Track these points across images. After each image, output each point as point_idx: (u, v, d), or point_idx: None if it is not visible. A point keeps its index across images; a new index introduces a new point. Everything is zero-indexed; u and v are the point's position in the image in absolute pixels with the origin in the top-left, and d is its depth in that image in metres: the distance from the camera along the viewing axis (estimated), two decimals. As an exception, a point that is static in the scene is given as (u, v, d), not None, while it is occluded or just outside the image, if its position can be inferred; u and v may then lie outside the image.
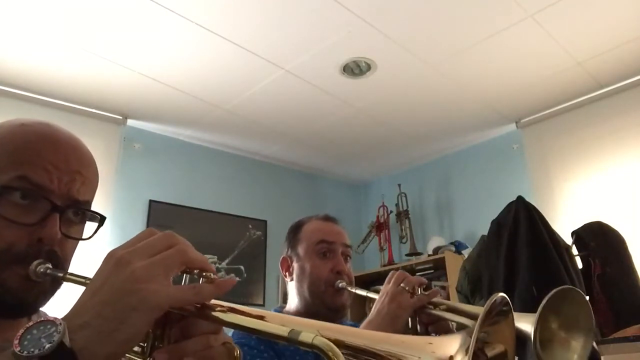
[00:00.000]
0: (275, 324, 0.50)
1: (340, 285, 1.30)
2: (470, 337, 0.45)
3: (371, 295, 1.24)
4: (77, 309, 0.49)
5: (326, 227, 1.40)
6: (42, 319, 0.48)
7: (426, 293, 1.12)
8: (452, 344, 0.48)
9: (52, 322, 0.47)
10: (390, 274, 1.18)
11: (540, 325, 0.84)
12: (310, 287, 1.31)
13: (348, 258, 1.38)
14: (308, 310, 1.32)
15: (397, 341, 0.53)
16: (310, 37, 2.65)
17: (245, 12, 2.46)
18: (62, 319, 0.48)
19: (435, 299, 1.11)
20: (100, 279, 0.50)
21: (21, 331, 0.47)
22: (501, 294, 0.51)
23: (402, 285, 1.12)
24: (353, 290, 1.30)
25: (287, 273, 1.40)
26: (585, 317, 0.88)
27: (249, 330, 0.51)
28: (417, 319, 1.11)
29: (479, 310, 1.09)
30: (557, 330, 0.89)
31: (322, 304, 1.30)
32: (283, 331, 0.48)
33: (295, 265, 1.37)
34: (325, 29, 2.60)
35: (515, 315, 0.93)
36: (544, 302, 0.86)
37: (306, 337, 0.46)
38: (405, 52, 2.79)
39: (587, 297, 2.10)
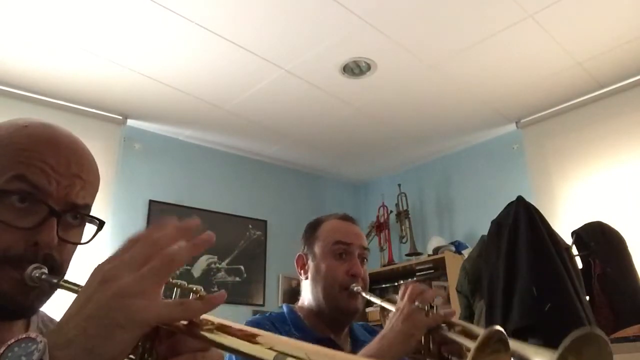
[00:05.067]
0: (264, 345, 0.48)
1: (355, 289, 1.28)
2: None
3: (385, 305, 1.22)
4: (62, 325, 0.48)
5: (344, 227, 1.38)
6: (24, 335, 0.47)
7: (442, 313, 1.10)
8: None
9: (34, 339, 0.46)
10: (404, 286, 1.15)
11: None
12: (324, 289, 1.29)
13: (365, 260, 1.36)
14: (320, 311, 1.30)
15: None
16: (310, 37, 2.66)
17: (245, 12, 2.46)
18: (46, 335, 0.47)
19: (450, 320, 1.09)
20: (86, 295, 0.49)
21: (3, 348, 0.46)
22: (497, 327, 0.50)
23: (417, 303, 1.09)
24: (367, 297, 1.28)
25: (302, 271, 1.39)
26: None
27: (234, 351, 0.49)
28: (431, 338, 1.09)
29: None
30: None
31: (335, 306, 1.28)
32: (268, 355, 0.46)
33: (310, 263, 1.36)
34: (325, 29, 2.60)
35: (533, 348, 0.90)
36: (566, 342, 0.83)
37: None
38: (405, 52, 2.79)
39: (587, 297, 2.10)
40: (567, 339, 0.81)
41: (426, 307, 1.09)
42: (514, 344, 1.05)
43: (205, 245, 0.53)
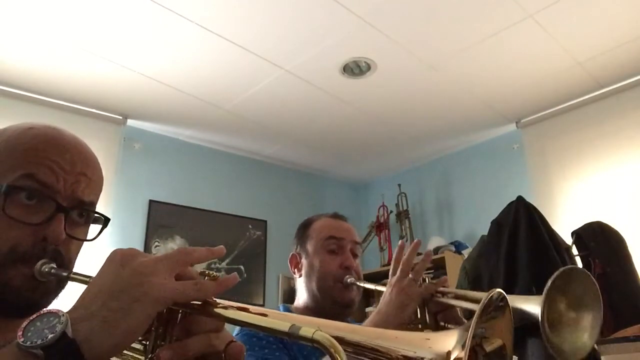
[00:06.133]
0: (278, 319, 0.51)
1: (349, 280, 1.29)
2: (468, 333, 0.45)
3: (379, 288, 1.24)
4: (83, 300, 0.51)
5: (335, 224, 1.40)
6: (46, 310, 0.49)
7: (434, 282, 1.13)
8: (449, 339, 0.48)
9: (55, 313, 0.48)
10: (394, 261, 1.18)
11: (547, 307, 0.84)
12: (319, 283, 1.31)
13: (357, 255, 1.38)
14: (317, 306, 1.31)
15: (395, 337, 0.53)
16: (310, 37, 2.66)
17: (245, 12, 2.46)
18: (68, 310, 0.49)
19: (442, 288, 1.12)
20: (105, 272, 0.52)
21: (25, 323, 0.48)
22: (498, 289, 0.52)
23: (410, 276, 1.12)
24: (362, 285, 1.30)
25: (295, 270, 1.40)
26: (590, 293, 0.88)
27: (250, 325, 0.52)
28: (426, 307, 1.12)
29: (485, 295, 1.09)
30: (565, 311, 0.89)
31: (330, 299, 1.29)
32: (284, 326, 0.48)
33: (304, 261, 1.37)
34: (325, 29, 2.60)
35: (522, 298, 0.93)
36: (549, 283, 0.85)
37: (306, 331, 0.46)
38: (405, 52, 2.79)
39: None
40: (548, 281, 0.83)
41: (419, 279, 1.13)
42: None
43: (217, 254, 0.58)
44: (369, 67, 2.93)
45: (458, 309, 1.11)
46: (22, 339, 0.46)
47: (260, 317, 0.52)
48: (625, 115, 3.09)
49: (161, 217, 3.44)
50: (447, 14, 2.50)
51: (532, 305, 0.88)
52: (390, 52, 2.79)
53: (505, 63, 2.92)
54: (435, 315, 1.12)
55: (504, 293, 0.52)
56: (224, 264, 3.60)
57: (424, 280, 1.14)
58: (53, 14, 2.41)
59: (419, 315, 1.11)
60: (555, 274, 0.86)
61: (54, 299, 0.69)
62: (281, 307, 1.38)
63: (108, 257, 0.53)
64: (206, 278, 0.55)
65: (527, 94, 3.25)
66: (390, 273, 1.17)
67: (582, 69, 2.98)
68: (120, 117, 3.37)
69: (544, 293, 0.85)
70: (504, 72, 3.01)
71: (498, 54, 2.82)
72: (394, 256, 1.18)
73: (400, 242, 1.22)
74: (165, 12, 2.42)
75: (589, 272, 0.88)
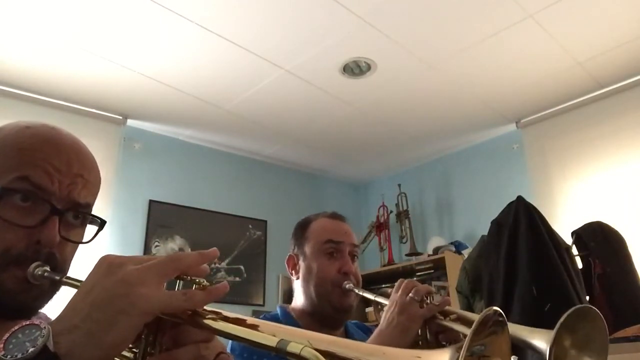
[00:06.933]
0: (267, 333, 0.50)
1: (347, 286, 1.28)
2: (460, 352, 0.45)
3: (379, 299, 1.23)
4: (67, 311, 0.49)
5: (334, 225, 1.37)
6: (28, 322, 0.47)
7: (436, 303, 1.10)
8: (441, 358, 0.47)
9: (37, 325, 0.46)
10: (399, 282, 1.16)
11: (555, 344, 0.82)
12: (317, 288, 1.29)
13: (355, 257, 1.36)
14: (314, 310, 1.30)
15: (388, 354, 0.53)
16: (310, 37, 2.65)
17: (245, 12, 2.46)
18: (51, 322, 0.48)
19: (445, 308, 1.10)
20: (91, 282, 0.50)
21: (7, 335, 0.46)
22: (495, 307, 0.51)
23: (411, 295, 1.10)
24: (360, 293, 1.29)
25: (293, 271, 1.38)
26: (600, 338, 0.85)
27: (237, 339, 0.50)
28: (427, 328, 1.10)
29: None
30: (570, 349, 0.86)
31: (328, 304, 1.28)
32: (271, 341, 0.47)
33: (301, 263, 1.35)
34: (325, 29, 2.60)
35: (527, 329, 0.91)
36: (561, 320, 0.83)
37: (294, 347, 0.45)
38: (405, 52, 2.79)
39: (587, 297, 2.10)
40: (562, 317, 0.82)
41: (420, 299, 1.10)
42: (511, 327, 1.06)
43: (211, 258, 0.56)
44: (369, 67, 2.93)
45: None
46: (2, 352, 0.45)
47: (248, 330, 0.51)
48: (625, 115, 3.09)
49: (161, 217, 3.44)
50: (447, 14, 2.50)
51: (538, 340, 0.86)
52: (390, 52, 2.79)
53: (505, 63, 2.92)
54: (437, 335, 1.10)
55: (500, 310, 0.52)
56: (224, 264, 3.60)
57: (426, 298, 1.12)
58: (53, 14, 2.41)
59: (420, 335, 1.09)
60: (570, 311, 0.83)
61: (47, 301, 0.69)
62: (279, 309, 1.37)
63: (96, 265, 0.52)
64: (195, 287, 0.53)
65: (527, 94, 3.25)
66: (393, 291, 1.15)
67: (582, 69, 2.98)
68: (120, 117, 3.37)
69: (554, 331, 0.83)
70: (504, 72, 3.01)
71: (498, 54, 2.82)
72: (400, 281, 1.17)
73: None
74: (165, 12, 2.42)
75: (603, 317, 0.86)
